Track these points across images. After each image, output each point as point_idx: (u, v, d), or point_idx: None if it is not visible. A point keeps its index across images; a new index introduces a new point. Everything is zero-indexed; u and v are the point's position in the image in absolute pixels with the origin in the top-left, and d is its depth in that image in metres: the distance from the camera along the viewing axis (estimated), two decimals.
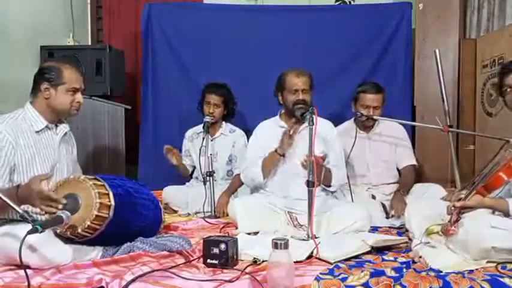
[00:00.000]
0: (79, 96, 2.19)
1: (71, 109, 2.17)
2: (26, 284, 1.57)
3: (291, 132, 2.52)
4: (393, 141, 3.07)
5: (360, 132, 3.02)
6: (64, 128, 2.22)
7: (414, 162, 3.10)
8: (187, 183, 3.42)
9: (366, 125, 3.02)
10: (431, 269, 1.75)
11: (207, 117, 3.19)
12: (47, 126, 2.13)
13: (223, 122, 3.40)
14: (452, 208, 1.90)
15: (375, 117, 2.96)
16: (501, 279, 1.63)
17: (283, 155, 2.57)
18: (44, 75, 2.12)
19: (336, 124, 2.88)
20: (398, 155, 3.08)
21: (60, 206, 1.79)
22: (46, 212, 1.82)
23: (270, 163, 2.61)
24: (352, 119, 3.13)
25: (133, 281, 1.63)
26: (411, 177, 3.02)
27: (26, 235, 1.58)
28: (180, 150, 3.46)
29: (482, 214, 1.93)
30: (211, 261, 1.84)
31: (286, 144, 2.53)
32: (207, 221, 2.79)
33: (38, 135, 2.09)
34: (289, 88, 2.61)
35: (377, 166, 3.03)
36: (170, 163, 3.26)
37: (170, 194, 3.20)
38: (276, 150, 2.57)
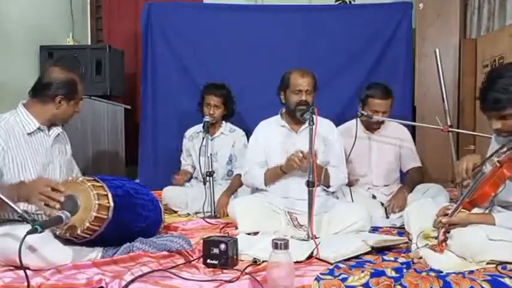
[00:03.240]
0: (81, 105, 2.23)
1: (70, 118, 2.21)
2: (26, 284, 1.56)
3: (301, 158, 2.37)
4: (398, 143, 3.07)
5: (365, 132, 3.02)
6: (57, 129, 2.22)
7: (419, 164, 3.11)
8: (187, 184, 3.41)
9: (371, 127, 3.01)
10: (431, 270, 1.75)
11: (207, 117, 3.19)
12: (39, 128, 2.12)
13: (223, 122, 3.40)
14: (439, 224, 1.91)
15: (375, 117, 2.95)
16: (501, 280, 1.62)
17: (286, 173, 2.55)
18: (61, 89, 2.11)
19: (335, 124, 2.87)
20: (403, 158, 3.08)
21: (58, 206, 1.79)
22: (46, 205, 1.81)
23: (273, 176, 2.60)
24: (354, 120, 3.11)
25: (133, 281, 1.62)
26: (417, 177, 3.03)
27: (25, 235, 1.57)
28: (180, 150, 3.47)
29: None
30: (211, 262, 1.83)
31: (293, 168, 2.46)
32: (207, 221, 2.78)
33: (30, 137, 2.09)
34: (292, 88, 2.58)
35: (380, 167, 3.03)
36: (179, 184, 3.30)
37: (170, 194, 3.19)
38: (280, 168, 2.53)
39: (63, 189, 1.85)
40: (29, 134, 2.08)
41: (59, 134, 2.23)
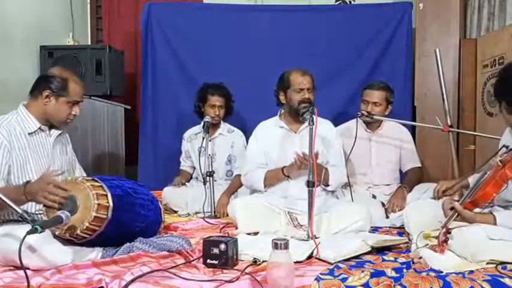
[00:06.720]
0: (76, 109, 2.19)
1: (65, 121, 2.19)
2: (26, 284, 1.57)
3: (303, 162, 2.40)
4: (397, 143, 3.08)
5: (366, 131, 3.03)
6: (57, 131, 2.22)
7: (419, 164, 3.13)
8: (187, 184, 3.41)
9: (371, 125, 3.02)
10: (431, 270, 1.75)
11: (207, 117, 3.19)
12: (40, 128, 2.12)
13: (221, 122, 3.40)
14: (449, 211, 1.91)
15: (375, 117, 2.96)
16: (501, 280, 1.62)
17: (289, 176, 2.56)
18: (49, 83, 2.11)
19: (335, 124, 2.87)
20: (402, 158, 3.10)
21: (62, 201, 1.81)
22: (50, 201, 1.82)
23: (274, 179, 2.61)
24: (355, 120, 3.10)
25: (133, 281, 1.63)
26: (416, 177, 3.06)
27: (25, 235, 1.58)
28: (180, 152, 3.47)
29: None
30: (211, 262, 1.83)
31: (295, 171, 2.49)
32: (207, 221, 2.78)
33: (31, 137, 2.09)
34: (294, 87, 2.59)
35: (380, 166, 3.05)
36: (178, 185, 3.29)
37: (170, 194, 3.18)
38: (282, 170, 2.55)
39: (67, 187, 1.86)
40: (30, 134, 2.08)
41: (60, 134, 2.23)
